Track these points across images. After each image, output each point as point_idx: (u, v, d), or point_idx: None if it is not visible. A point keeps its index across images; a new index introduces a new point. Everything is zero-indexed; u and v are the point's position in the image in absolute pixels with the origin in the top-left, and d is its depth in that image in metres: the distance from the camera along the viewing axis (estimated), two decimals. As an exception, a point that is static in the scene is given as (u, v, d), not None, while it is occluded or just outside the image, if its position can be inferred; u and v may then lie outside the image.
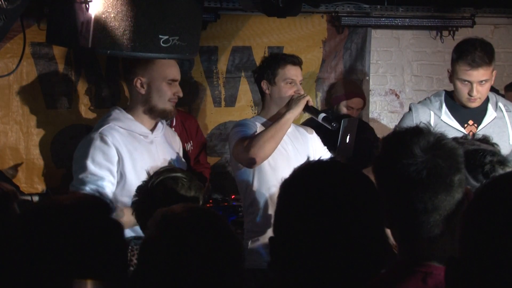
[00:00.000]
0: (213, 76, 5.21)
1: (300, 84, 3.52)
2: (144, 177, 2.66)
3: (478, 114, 3.58)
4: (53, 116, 4.79)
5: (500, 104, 3.58)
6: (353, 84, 5.30)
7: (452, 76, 3.52)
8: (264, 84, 3.50)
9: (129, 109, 3.29)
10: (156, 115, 3.29)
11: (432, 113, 3.61)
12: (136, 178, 2.99)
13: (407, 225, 1.73)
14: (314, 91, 5.50)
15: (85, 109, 4.85)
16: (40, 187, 4.73)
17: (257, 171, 3.41)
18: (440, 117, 3.59)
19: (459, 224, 1.13)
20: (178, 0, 3.29)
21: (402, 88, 5.76)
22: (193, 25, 3.41)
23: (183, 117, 4.72)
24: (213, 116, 5.26)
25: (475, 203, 1.12)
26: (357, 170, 1.53)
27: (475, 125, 3.54)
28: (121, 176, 3.06)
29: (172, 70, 3.30)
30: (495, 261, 1.03)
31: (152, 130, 3.31)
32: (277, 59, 3.50)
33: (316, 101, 5.47)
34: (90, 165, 3.03)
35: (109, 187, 3.02)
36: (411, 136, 1.72)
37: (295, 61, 3.49)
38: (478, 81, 3.43)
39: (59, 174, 4.75)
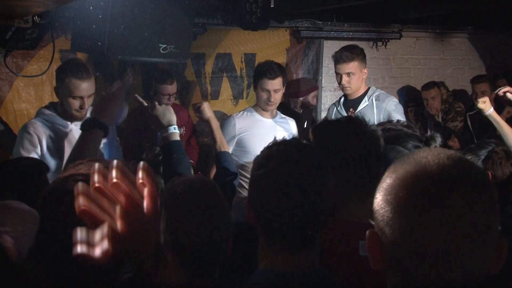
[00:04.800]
0: (201, 76, 5.20)
1: (277, 91, 3.52)
2: (60, 157, 2.83)
3: (356, 103, 3.82)
4: (76, 107, 4.76)
5: (373, 96, 3.78)
6: (310, 80, 5.32)
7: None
8: (254, 85, 3.61)
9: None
10: (68, 117, 3.08)
11: (334, 107, 4.00)
12: (51, 158, 2.99)
13: (343, 191, 1.70)
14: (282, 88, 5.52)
15: (101, 102, 4.83)
16: (67, 162, 4.71)
17: (244, 156, 3.52)
18: (337, 109, 3.93)
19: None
20: (174, 17, 3.29)
21: (346, 86, 5.82)
22: (185, 36, 3.41)
23: (177, 108, 4.73)
24: (201, 107, 5.26)
25: (384, 180, 1.04)
26: (312, 146, 1.52)
27: (353, 111, 3.80)
28: (43, 156, 2.99)
29: (77, 89, 2.97)
30: (397, 229, 0.95)
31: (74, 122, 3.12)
32: (262, 71, 3.52)
33: (283, 95, 5.51)
34: (20, 149, 3.00)
35: None
36: (347, 122, 1.78)
37: (270, 76, 3.49)
38: (344, 73, 3.69)
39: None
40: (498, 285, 1.07)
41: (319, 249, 1.42)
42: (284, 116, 3.83)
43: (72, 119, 3.09)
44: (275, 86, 3.51)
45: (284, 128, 3.68)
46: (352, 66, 3.67)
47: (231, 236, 1.67)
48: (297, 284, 1.34)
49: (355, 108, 3.80)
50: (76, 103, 3.02)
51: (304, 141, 2.41)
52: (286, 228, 1.36)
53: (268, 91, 3.51)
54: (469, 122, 5.25)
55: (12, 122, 4.46)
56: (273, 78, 3.49)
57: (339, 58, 3.70)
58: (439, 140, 2.03)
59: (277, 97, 3.56)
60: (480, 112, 3.32)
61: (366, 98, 3.78)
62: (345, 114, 3.80)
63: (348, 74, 3.68)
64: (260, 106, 3.60)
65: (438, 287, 0.94)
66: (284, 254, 1.37)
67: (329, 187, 1.42)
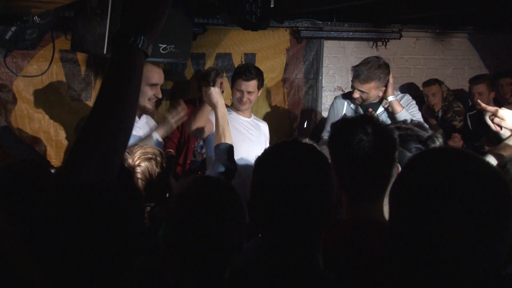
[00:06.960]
0: (201, 76, 5.21)
1: (250, 93, 3.63)
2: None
3: (376, 105, 3.76)
4: (76, 106, 4.75)
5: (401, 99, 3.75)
6: None
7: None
8: (231, 84, 3.73)
9: None
10: (139, 110, 3.14)
11: (346, 102, 3.86)
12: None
13: (355, 189, 1.72)
14: (282, 88, 5.53)
15: (101, 101, 4.83)
16: (67, 161, 4.71)
17: None
18: (350, 105, 3.83)
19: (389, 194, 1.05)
20: (173, 17, 3.28)
21: (346, 85, 5.76)
22: (185, 36, 3.39)
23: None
24: (202, 107, 5.26)
25: (402, 176, 1.04)
26: (313, 147, 1.50)
27: (374, 111, 3.75)
28: None
29: (153, 75, 3.13)
30: (419, 227, 0.95)
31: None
32: (239, 72, 3.67)
33: (283, 95, 5.52)
34: None
35: None
36: (362, 121, 1.76)
37: (245, 78, 3.62)
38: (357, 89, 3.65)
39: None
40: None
41: (321, 250, 1.41)
42: (259, 119, 3.94)
43: (143, 112, 3.19)
44: (249, 88, 3.64)
45: (258, 130, 3.76)
46: (367, 87, 3.61)
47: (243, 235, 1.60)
48: (302, 285, 1.34)
49: (375, 109, 3.75)
50: (149, 93, 3.12)
51: (306, 141, 2.37)
52: (287, 229, 1.36)
53: (242, 92, 3.64)
54: (469, 122, 5.24)
55: (12, 122, 4.46)
56: (247, 80, 3.62)
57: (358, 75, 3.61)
58: (439, 140, 2.01)
59: (251, 98, 3.67)
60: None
61: (385, 101, 3.70)
62: (361, 111, 3.74)
63: (362, 92, 3.64)
64: (234, 104, 3.71)
65: (445, 286, 0.94)
66: (286, 255, 1.37)
67: (330, 186, 1.40)
